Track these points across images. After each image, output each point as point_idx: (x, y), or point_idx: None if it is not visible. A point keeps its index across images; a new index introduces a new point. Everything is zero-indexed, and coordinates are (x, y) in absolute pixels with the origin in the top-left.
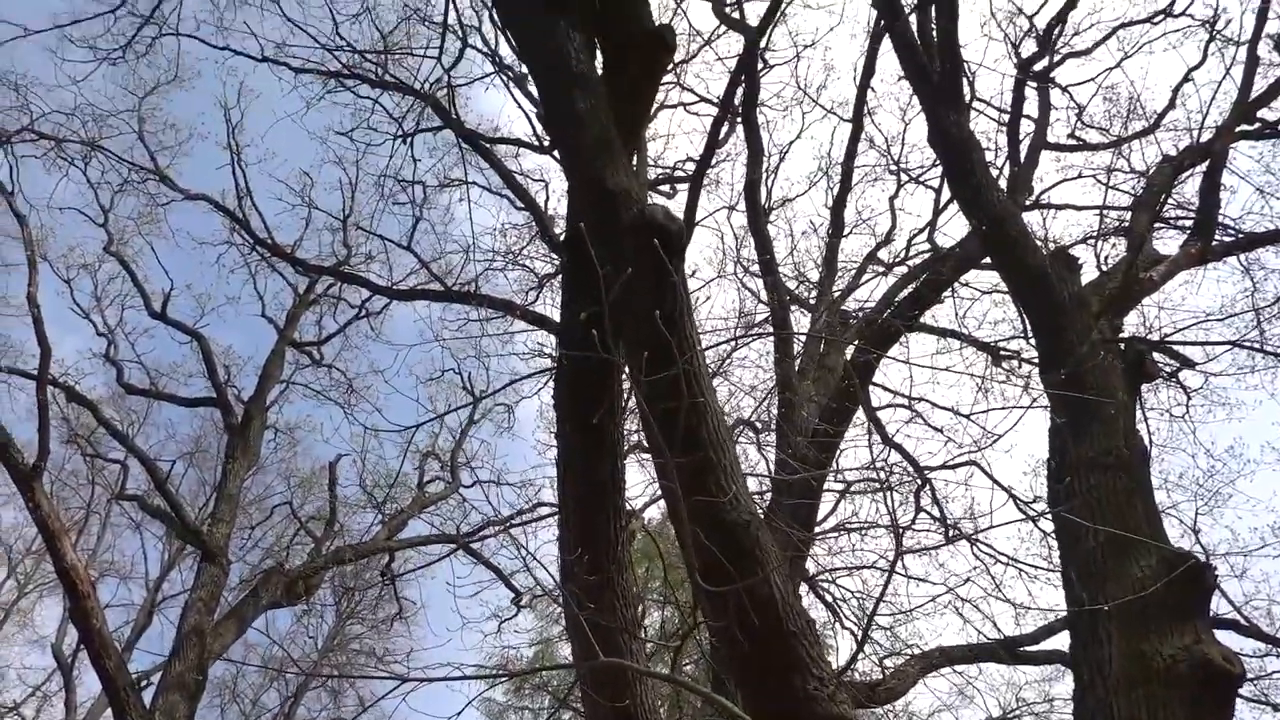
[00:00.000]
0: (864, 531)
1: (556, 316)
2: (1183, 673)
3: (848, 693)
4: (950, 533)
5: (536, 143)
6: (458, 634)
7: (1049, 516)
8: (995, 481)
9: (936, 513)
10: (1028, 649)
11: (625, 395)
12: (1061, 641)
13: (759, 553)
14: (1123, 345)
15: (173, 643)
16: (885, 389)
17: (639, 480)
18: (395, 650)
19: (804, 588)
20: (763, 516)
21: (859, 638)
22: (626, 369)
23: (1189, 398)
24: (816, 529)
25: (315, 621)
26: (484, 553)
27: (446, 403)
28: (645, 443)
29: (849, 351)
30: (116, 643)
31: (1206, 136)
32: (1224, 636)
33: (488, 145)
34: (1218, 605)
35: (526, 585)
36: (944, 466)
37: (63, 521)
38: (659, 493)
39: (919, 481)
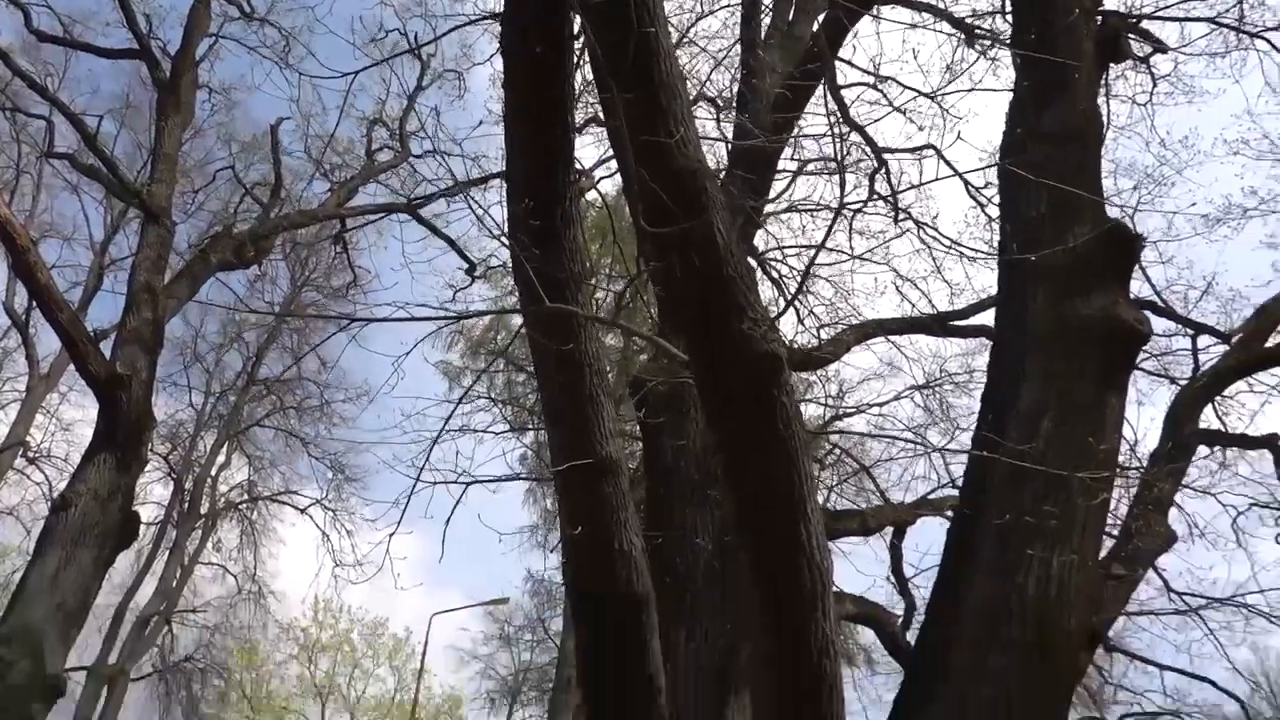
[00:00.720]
0: (815, 213)
1: None
2: (1097, 330)
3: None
4: (899, 216)
5: None
6: (410, 295)
7: (997, 184)
8: (947, 162)
9: (889, 195)
10: (957, 323)
11: (580, 49)
12: (990, 319)
13: (704, 199)
14: (1099, 20)
15: (124, 300)
16: (852, 65)
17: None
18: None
19: (752, 263)
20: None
21: (798, 285)
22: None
23: (1154, 84)
24: (769, 206)
25: (269, 287)
26: (438, 225)
27: (391, 68)
28: (600, 115)
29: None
30: (70, 303)
31: None
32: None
33: None
34: (1140, 289)
35: (480, 256)
36: (902, 150)
37: None
38: (610, 153)
39: (876, 163)
